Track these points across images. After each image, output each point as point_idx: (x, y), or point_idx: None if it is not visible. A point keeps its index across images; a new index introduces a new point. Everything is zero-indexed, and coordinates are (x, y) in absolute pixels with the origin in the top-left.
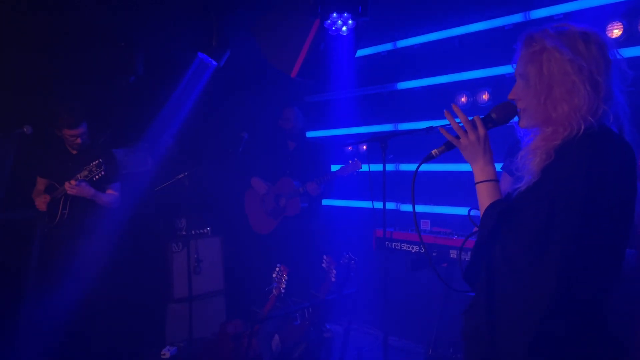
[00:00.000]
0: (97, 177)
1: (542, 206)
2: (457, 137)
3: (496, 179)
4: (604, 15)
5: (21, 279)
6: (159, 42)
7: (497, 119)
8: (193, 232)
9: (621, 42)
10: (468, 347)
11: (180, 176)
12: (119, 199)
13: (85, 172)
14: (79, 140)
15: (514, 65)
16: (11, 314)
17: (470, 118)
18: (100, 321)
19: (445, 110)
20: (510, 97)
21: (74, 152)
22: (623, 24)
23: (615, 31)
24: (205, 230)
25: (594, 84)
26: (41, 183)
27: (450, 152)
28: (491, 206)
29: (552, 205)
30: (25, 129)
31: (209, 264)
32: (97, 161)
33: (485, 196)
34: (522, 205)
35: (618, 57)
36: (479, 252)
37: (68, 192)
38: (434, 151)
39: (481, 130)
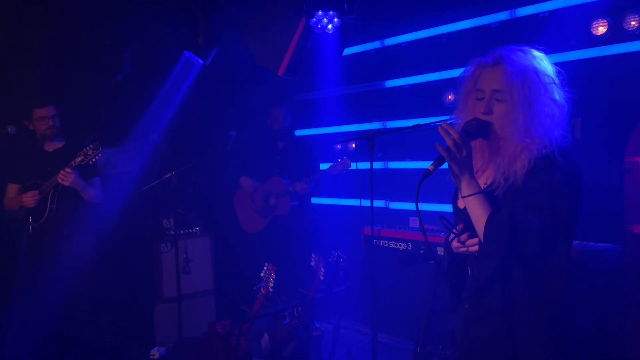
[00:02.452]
0: (93, 160)
1: (544, 214)
2: (448, 152)
3: (482, 190)
4: (588, 12)
5: (9, 278)
6: (146, 40)
7: (473, 134)
8: (182, 231)
9: (606, 39)
10: (474, 351)
11: (168, 175)
12: (100, 194)
13: (81, 157)
14: (50, 123)
15: (485, 85)
16: None
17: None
18: (89, 321)
19: (439, 127)
20: (485, 113)
21: (50, 150)
22: (608, 21)
23: (600, 28)
24: (194, 230)
25: (561, 106)
26: (12, 190)
27: (433, 148)
28: (490, 220)
29: (554, 212)
30: (9, 129)
31: (198, 263)
32: (93, 144)
33: (478, 209)
34: (517, 211)
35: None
36: (486, 264)
37: (61, 181)
38: (430, 167)
39: (468, 146)
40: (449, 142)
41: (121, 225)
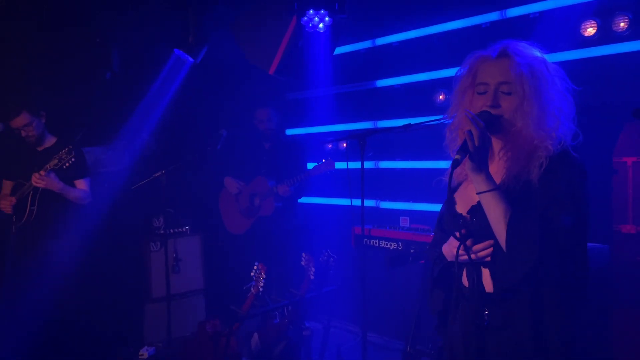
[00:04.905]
0: (67, 164)
1: (571, 213)
2: (473, 143)
3: (498, 187)
4: (577, 14)
5: None
6: (136, 38)
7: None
8: (171, 230)
9: (595, 40)
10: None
11: (157, 174)
12: (88, 194)
13: (55, 161)
14: (29, 132)
15: (494, 78)
16: None
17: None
18: (77, 321)
19: (465, 113)
20: (492, 106)
21: (40, 148)
22: (597, 22)
23: (590, 29)
24: (184, 229)
25: (570, 99)
26: (7, 186)
27: (424, 148)
28: (516, 220)
29: (578, 210)
30: None
31: (188, 262)
32: (67, 148)
33: (496, 207)
34: (542, 211)
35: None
36: (513, 267)
37: (35, 184)
38: (457, 156)
39: (489, 139)
40: (475, 132)
41: (110, 225)
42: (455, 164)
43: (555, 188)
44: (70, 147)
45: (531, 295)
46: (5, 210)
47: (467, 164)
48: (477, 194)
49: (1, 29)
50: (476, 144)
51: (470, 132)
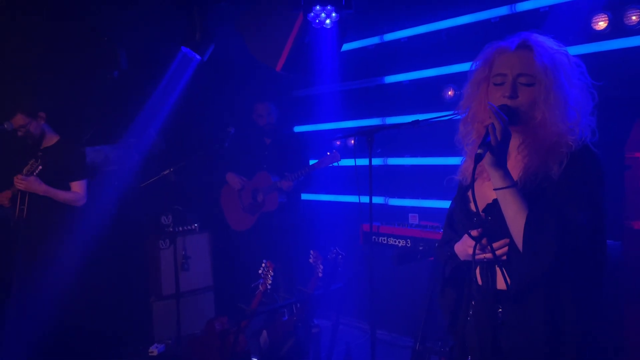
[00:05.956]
0: (35, 172)
1: (589, 210)
2: (496, 137)
3: (516, 184)
4: (588, 7)
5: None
6: (143, 36)
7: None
8: (180, 228)
9: (606, 34)
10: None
11: (166, 172)
12: (82, 196)
13: (27, 167)
14: (26, 133)
15: (514, 70)
16: None
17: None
18: (87, 319)
19: (489, 106)
20: (510, 97)
21: (42, 146)
22: (608, 16)
23: (601, 23)
24: (192, 227)
25: (589, 93)
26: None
27: (433, 145)
28: (535, 217)
29: (596, 208)
30: (5, 125)
31: (197, 260)
32: (33, 160)
33: (513, 204)
34: (561, 208)
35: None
36: (530, 265)
37: (17, 186)
38: (479, 150)
39: (510, 133)
40: (498, 127)
41: (119, 223)
42: (478, 159)
43: (575, 186)
44: (40, 153)
45: (546, 294)
46: (3, 204)
47: (486, 159)
48: (495, 189)
49: (4, 28)
50: (499, 138)
51: (493, 125)
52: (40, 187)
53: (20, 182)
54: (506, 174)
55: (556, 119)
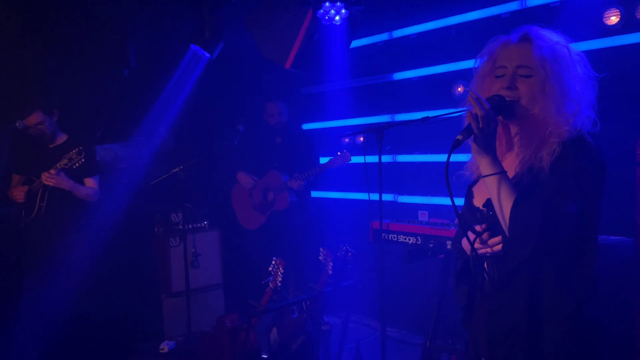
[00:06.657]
0: (77, 164)
1: (577, 200)
2: (477, 123)
3: (504, 171)
4: (599, 2)
5: (18, 274)
6: (152, 34)
7: (495, 109)
8: (190, 225)
9: (618, 29)
10: (497, 347)
11: (176, 170)
12: (97, 192)
13: (65, 161)
14: (41, 129)
15: (512, 63)
16: (8, 311)
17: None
18: (98, 316)
19: (469, 94)
20: (508, 88)
21: (51, 145)
22: (620, 11)
23: (613, 18)
24: (202, 224)
25: (591, 86)
26: (16, 180)
27: (443, 141)
28: (518, 205)
29: (585, 198)
30: (17, 124)
31: (206, 257)
32: (77, 149)
33: (501, 191)
34: (547, 197)
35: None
36: (513, 252)
37: (45, 182)
38: (459, 137)
39: (496, 121)
40: (479, 113)
41: (129, 220)
42: (456, 145)
43: (564, 175)
44: (81, 147)
45: (530, 279)
46: (18, 199)
47: (472, 147)
48: (482, 177)
49: (16, 26)
50: (480, 125)
51: (476, 114)
52: (68, 183)
53: (52, 178)
54: (493, 161)
55: (553, 111)
